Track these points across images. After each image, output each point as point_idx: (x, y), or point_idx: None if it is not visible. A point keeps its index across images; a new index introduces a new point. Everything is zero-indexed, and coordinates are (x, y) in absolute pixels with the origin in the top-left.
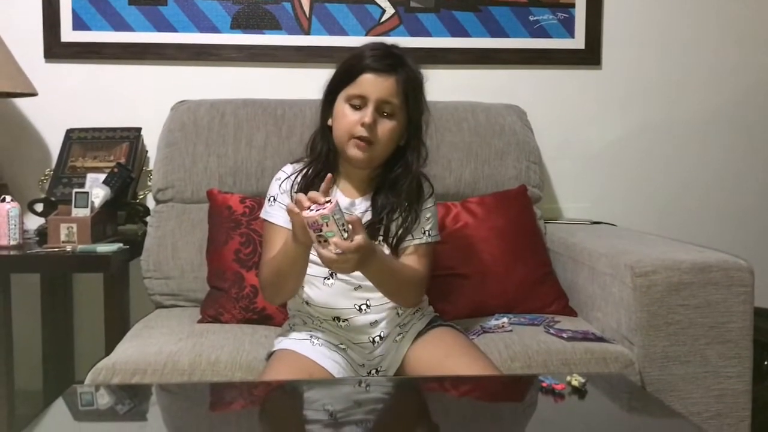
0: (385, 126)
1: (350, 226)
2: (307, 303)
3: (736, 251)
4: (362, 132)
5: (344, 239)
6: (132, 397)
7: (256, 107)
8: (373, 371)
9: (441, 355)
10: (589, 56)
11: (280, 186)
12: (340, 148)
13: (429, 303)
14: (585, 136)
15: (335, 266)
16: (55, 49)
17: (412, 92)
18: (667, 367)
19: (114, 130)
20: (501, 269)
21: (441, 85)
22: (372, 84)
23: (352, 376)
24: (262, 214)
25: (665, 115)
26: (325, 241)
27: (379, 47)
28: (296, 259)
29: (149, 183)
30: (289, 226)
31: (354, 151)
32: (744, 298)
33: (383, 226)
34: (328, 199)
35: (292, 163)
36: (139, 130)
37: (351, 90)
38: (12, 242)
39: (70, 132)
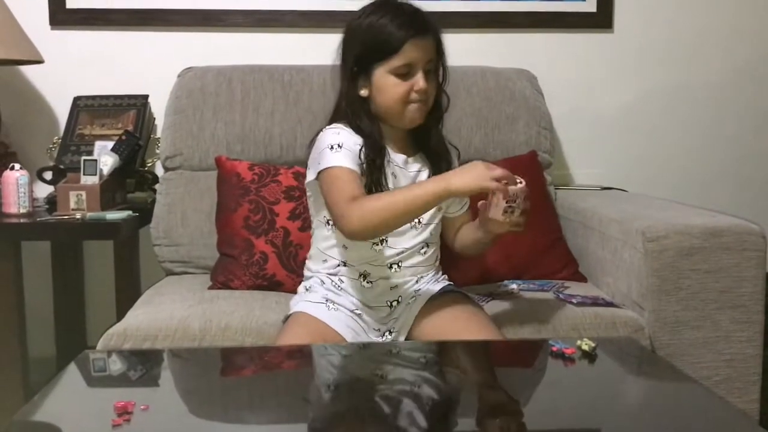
0: (432, 83)
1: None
2: (344, 263)
3: (750, 217)
4: (417, 98)
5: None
6: (143, 362)
7: (263, 73)
8: (387, 333)
9: (449, 320)
10: (601, 19)
11: (346, 138)
12: (391, 116)
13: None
14: (596, 101)
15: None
16: (61, 16)
17: (441, 44)
18: (677, 332)
19: (121, 97)
20: (511, 235)
21: (450, 49)
22: (417, 50)
23: (364, 341)
24: (328, 163)
25: (678, 79)
26: (512, 212)
27: (401, 11)
28: (434, 205)
29: (157, 150)
30: (357, 169)
31: (413, 115)
32: (756, 262)
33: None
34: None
35: (338, 123)
36: (146, 97)
37: (395, 62)
38: (22, 210)
39: (77, 99)
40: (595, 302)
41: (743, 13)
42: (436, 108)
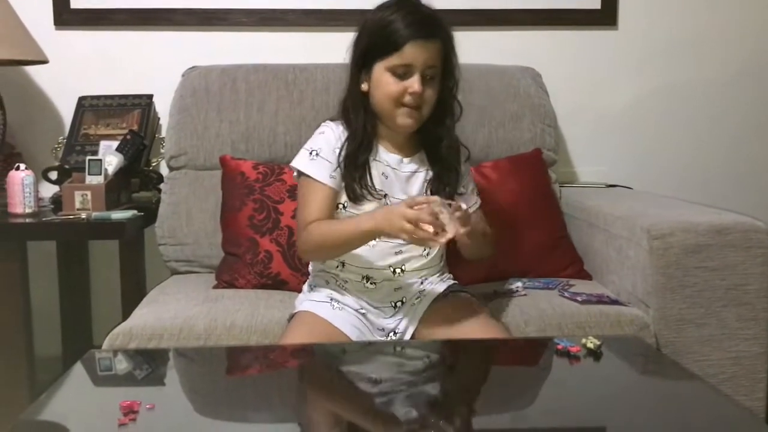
0: (430, 90)
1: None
2: (342, 264)
3: (756, 214)
4: (411, 101)
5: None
6: (149, 361)
7: (267, 72)
8: (391, 334)
9: (455, 320)
10: (606, 17)
11: (325, 142)
12: (384, 116)
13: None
14: (601, 99)
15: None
16: (65, 16)
17: (451, 52)
18: (683, 330)
19: (126, 97)
20: (515, 234)
21: None
22: (418, 53)
23: (369, 340)
24: (301, 167)
25: (682, 76)
26: (443, 230)
27: (414, 11)
28: (367, 241)
29: (162, 150)
30: (330, 183)
31: (404, 120)
32: (762, 260)
33: (441, 182)
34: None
35: (332, 120)
36: (150, 96)
37: (394, 60)
38: (27, 210)
39: (82, 99)
40: (600, 300)
41: (748, 10)
42: (446, 115)
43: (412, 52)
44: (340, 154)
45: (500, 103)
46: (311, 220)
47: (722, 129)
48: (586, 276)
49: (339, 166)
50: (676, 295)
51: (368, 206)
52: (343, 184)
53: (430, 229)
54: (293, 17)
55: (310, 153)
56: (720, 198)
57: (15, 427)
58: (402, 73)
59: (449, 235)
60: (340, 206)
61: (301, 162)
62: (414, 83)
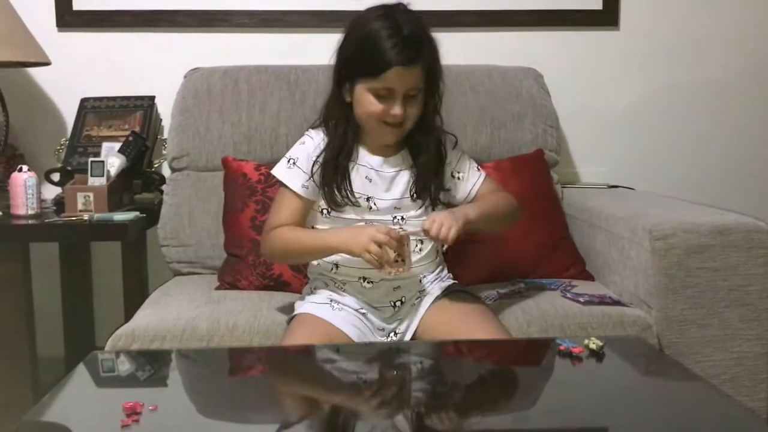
0: (413, 108)
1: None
2: (336, 266)
3: (758, 214)
4: (393, 121)
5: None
6: (152, 362)
7: (269, 74)
8: (392, 334)
9: (456, 320)
10: (607, 17)
11: (304, 152)
12: (366, 130)
13: (446, 268)
14: (603, 99)
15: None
16: (68, 18)
17: (433, 68)
18: (685, 331)
19: (128, 98)
20: (517, 234)
21: (455, 49)
22: (400, 78)
23: (370, 341)
24: (279, 174)
25: (684, 77)
26: (403, 260)
27: (397, 32)
28: (329, 255)
29: (164, 151)
30: (301, 192)
31: (387, 137)
32: (764, 260)
33: (425, 183)
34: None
35: (314, 128)
36: (152, 98)
37: (376, 84)
38: (30, 212)
39: (84, 101)
40: (603, 301)
41: (749, 11)
42: (426, 128)
43: (394, 79)
44: (314, 163)
45: (502, 104)
46: (277, 225)
47: (724, 129)
48: (588, 277)
49: (312, 176)
50: (678, 295)
51: (349, 211)
52: (319, 192)
53: (392, 254)
54: (295, 18)
55: (288, 161)
56: (722, 198)
57: (18, 428)
58: (384, 95)
59: (406, 268)
60: (324, 212)
61: (279, 170)
62: (396, 107)
